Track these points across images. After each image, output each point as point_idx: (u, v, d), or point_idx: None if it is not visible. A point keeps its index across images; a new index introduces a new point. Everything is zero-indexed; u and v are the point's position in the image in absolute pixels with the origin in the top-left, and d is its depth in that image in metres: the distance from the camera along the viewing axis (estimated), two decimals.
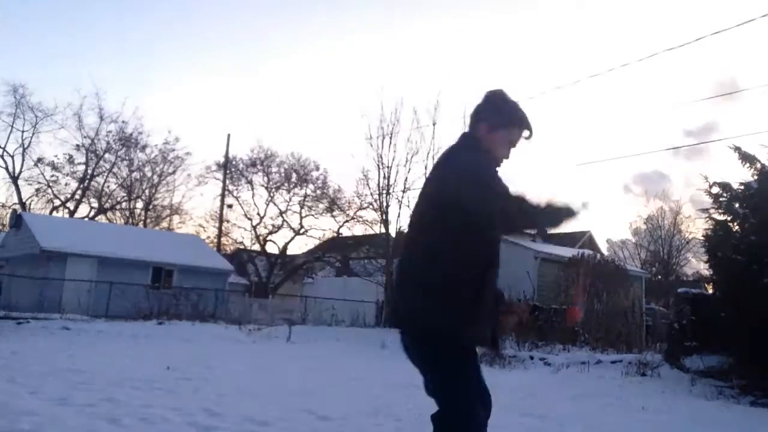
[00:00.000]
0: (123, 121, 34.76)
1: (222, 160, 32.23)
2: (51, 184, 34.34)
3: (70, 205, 34.98)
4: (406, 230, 2.41)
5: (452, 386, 2.20)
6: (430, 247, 2.20)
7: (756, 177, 9.57)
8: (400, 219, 21.20)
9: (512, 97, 2.41)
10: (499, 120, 2.35)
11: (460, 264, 2.15)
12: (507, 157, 2.39)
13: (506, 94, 2.42)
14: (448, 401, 2.21)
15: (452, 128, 38.52)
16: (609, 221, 75.75)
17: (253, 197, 33.29)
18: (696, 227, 35.28)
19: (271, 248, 34.17)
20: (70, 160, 34.36)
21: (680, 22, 53.55)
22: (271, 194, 33.03)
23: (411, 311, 2.22)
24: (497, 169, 2.34)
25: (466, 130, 2.45)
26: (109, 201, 35.91)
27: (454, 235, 2.15)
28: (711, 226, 10.01)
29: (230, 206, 32.89)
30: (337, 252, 33.51)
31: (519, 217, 2.16)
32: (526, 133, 2.40)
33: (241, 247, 33.89)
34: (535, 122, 2.39)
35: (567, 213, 2.17)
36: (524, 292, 16.80)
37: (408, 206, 20.85)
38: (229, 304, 22.94)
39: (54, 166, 34.11)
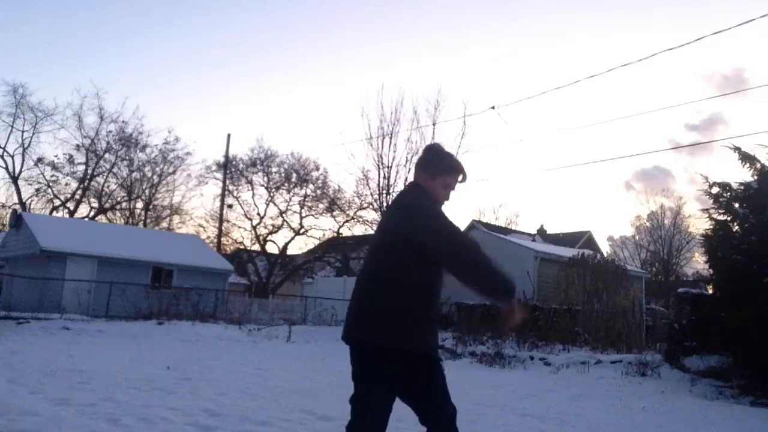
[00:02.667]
0: (123, 121, 34.81)
1: (222, 160, 32.25)
2: (51, 184, 34.37)
3: (70, 205, 35.02)
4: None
5: (365, 406, 2.52)
6: (379, 273, 2.55)
7: (756, 177, 9.58)
8: None
9: (446, 150, 2.87)
10: (434, 171, 2.73)
11: (402, 290, 2.47)
12: (447, 199, 2.76)
13: (441, 146, 2.90)
14: (356, 416, 2.53)
15: (452, 128, 38.71)
16: (610, 219, 75.70)
17: (253, 197, 33.31)
18: (700, 225, 35.13)
19: (271, 248, 34.20)
20: (70, 160, 34.39)
21: (680, 22, 53.58)
22: (271, 194, 33.04)
23: (351, 328, 2.57)
24: (441, 209, 2.70)
25: (412, 180, 2.87)
26: (109, 201, 35.92)
27: (401, 264, 2.48)
28: (711, 226, 10.02)
29: (230, 206, 32.89)
30: (337, 252, 33.50)
31: (466, 247, 2.46)
32: (460, 177, 2.78)
33: (241, 247, 33.88)
34: (466, 168, 2.81)
35: (506, 284, 2.52)
36: (524, 292, 16.80)
37: None
38: (229, 304, 22.93)
39: (54, 166, 34.15)
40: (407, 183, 2.93)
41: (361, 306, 2.59)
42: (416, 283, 2.48)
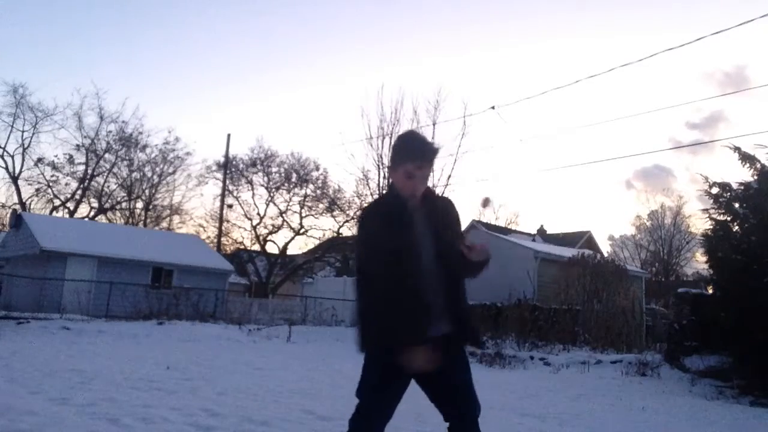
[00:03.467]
0: (123, 121, 34.81)
1: (222, 160, 32.22)
2: (51, 184, 34.35)
3: (70, 205, 35.00)
4: None
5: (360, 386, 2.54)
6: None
7: (756, 177, 9.57)
8: None
9: (414, 134, 2.75)
10: (393, 162, 2.58)
11: (365, 292, 2.44)
12: (413, 190, 2.52)
13: (408, 132, 2.76)
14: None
15: (452, 128, 38.74)
16: (610, 219, 75.72)
17: (253, 197, 33.30)
18: (701, 225, 35.10)
19: (271, 248, 34.18)
20: (70, 160, 34.38)
21: (680, 23, 53.59)
22: (271, 194, 33.02)
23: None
24: (404, 203, 2.52)
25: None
26: (109, 201, 35.91)
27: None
28: (711, 226, 10.02)
29: (230, 206, 32.87)
30: (337, 252, 33.48)
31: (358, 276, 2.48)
32: (417, 161, 2.51)
33: (241, 247, 33.86)
34: (434, 146, 2.60)
35: (362, 335, 2.44)
36: (524, 292, 16.80)
37: None
38: (229, 304, 22.92)
39: (54, 166, 34.13)
40: None
41: None
42: (368, 282, 2.45)
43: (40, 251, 19.63)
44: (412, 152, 2.52)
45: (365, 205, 2.68)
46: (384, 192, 2.75)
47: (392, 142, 2.84)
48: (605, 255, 23.51)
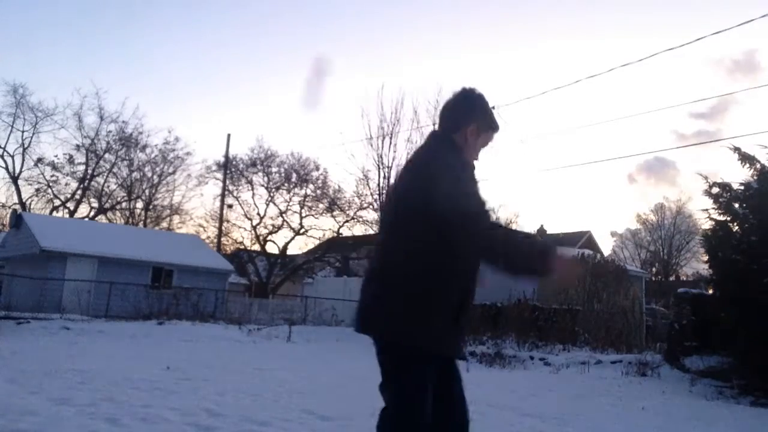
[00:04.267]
0: (123, 121, 34.80)
1: (222, 160, 32.23)
2: (51, 184, 34.35)
3: (70, 205, 35.01)
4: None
5: (405, 400, 2.13)
6: (397, 253, 2.13)
7: (756, 177, 9.57)
8: None
9: (486, 100, 2.35)
10: (485, 123, 2.28)
11: (426, 272, 2.06)
12: (477, 158, 2.32)
13: (484, 98, 2.34)
14: (398, 413, 2.14)
15: None
16: (612, 216, 75.75)
17: (253, 197, 33.29)
18: (703, 221, 35.09)
19: (271, 248, 34.17)
20: (70, 160, 34.38)
21: (680, 22, 53.59)
22: (271, 194, 33.02)
23: (375, 318, 2.16)
24: (473, 168, 2.27)
25: (436, 129, 2.34)
26: (109, 201, 35.91)
27: (420, 241, 2.05)
28: (711, 227, 10.02)
29: (230, 206, 32.87)
30: (337, 252, 33.48)
31: (487, 231, 2.04)
32: (497, 132, 2.34)
33: (241, 247, 33.85)
34: (497, 120, 2.36)
35: (543, 256, 2.03)
36: (524, 292, 16.79)
37: None
38: (229, 304, 22.93)
39: (54, 166, 34.13)
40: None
41: (374, 292, 2.20)
42: (435, 264, 2.07)
43: (40, 251, 19.63)
44: (496, 123, 2.30)
45: (434, 154, 2.07)
46: (432, 147, 2.24)
47: (463, 96, 2.29)
48: (605, 255, 23.52)
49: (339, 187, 31.51)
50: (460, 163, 2.20)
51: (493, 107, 2.39)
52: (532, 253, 2.02)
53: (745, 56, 58.61)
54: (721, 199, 9.84)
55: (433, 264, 2.05)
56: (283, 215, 33.08)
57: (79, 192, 34.90)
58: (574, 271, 2.15)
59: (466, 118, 2.26)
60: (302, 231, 33.23)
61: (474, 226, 2.03)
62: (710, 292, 10.86)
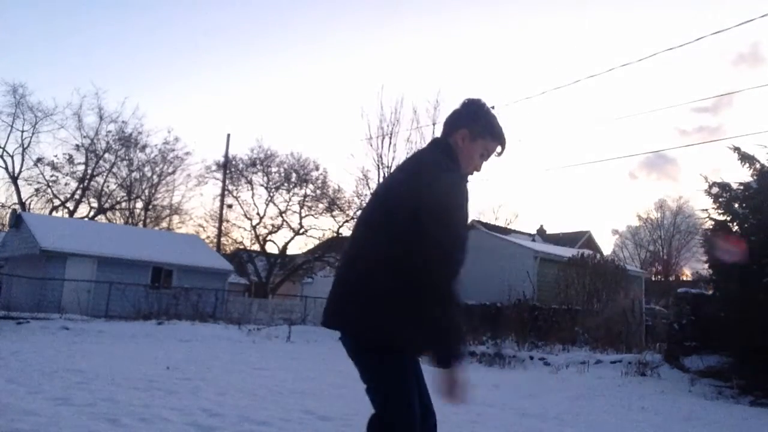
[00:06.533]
0: (123, 121, 34.82)
1: (222, 160, 32.23)
2: (51, 184, 34.34)
3: (70, 205, 34.99)
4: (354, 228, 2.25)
5: (394, 394, 2.10)
6: (382, 253, 2.07)
7: (755, 177, 9.57)
8: None
9: (493, 112, 2.34)
10: (479, 129, 2.26)
11: (411, 275, 2.00)
12: (478, 170, 2.32)
13: (490, 110, 2.34)
14: (389, 408, 2.10)
15: None
16: (613, 215, 75.75)
17: (252, 197, 33.27)
18: (704, 217, 35.08)
19: (271, 248, 34.15)
20: (70, 160, 34.37)
21: (680, 22, 53.62)
22: (271, 194, 32.99)
23: (353, 317, 2.11)
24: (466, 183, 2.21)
25: (437, 136, 2.36)
26: (109, 201, 35.90)
27: (408, 243, 2.01)
28: (711, 227, 10.02)
29: (230, 206, 32.85)
30: (337, 252, 33.44)
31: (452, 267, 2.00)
32: (499, 149, 2.33)
33: (241, 247, 33.84)
34: (509, 139, 2.35)
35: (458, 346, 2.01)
36: (524, 292, 16.80)
37: None
38: (229, 304, 22.93)
39: (54, 166, 34.12)
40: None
41: (351, 291, 2.15)
42: (421, 267, 2.01)
43: (39, 251, 19.63)
44: (502, 136, 2.29)
45: (442, 165, 2.10)
46: (436, 155, 2.21)
47: (471, 105, 2.29)
48: (605, 255, 23.54)
49: (339, 187, 31.55)
50: (456, 167, 2.20)
51: (493, 107, 2.37)
52: (456, 344, 2.01)
53: (749, 49, 58.59)
54: (720, 199, 9.84)
55: (413, 264, 2.01)
56: (283, 215, 33.09)
57: (79, 192, 34.92)
58: (457, 393, 2.02)
59: (458, 122, 2.28)
60: (302, 231, 33.22)
61: (450, 248, 2.00)
62: (710, 292, 10.85)
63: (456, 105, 2.36)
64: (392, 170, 2.24)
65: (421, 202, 2.01)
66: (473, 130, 2.26)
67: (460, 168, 2.23)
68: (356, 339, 2.14)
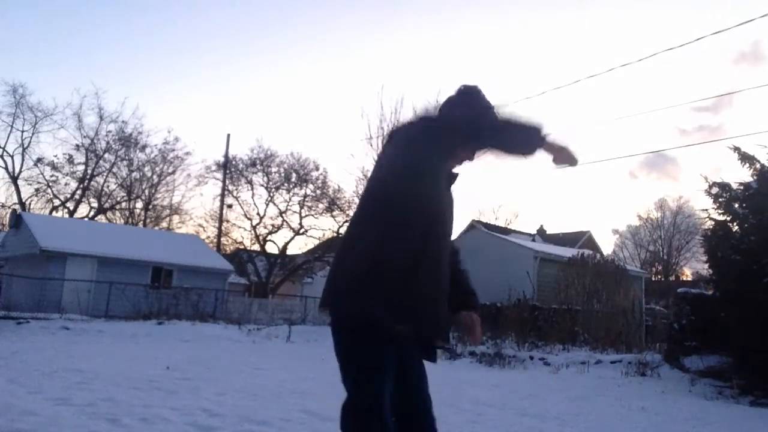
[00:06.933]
0: (123, 121, 34.83)
1: (222, 160, 32.24)
2: (51, 184, 34.35)
3: (70, 205, 35.01)
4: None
5: (361, 378, 2.03)
6: (357, 230, 2.07)
7: (755, 177, 9.58)
8: None
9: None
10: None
11: (384, 249, 1.96)
12: (460, 164, 2.26)
13: (482, 91, 2.30)
14: (355, 392, 2.04)
15: None
16: (613, 214, 75.76)
17: (252, 197, 33.28)
18: (704, 216, 35.08)
19: (271, 248, 34.17)
20: (70, 160, 34.38)
21: (680, 22, 53.61)
22: (271, 194, 33.00)
23: (331, 295, 2.08)
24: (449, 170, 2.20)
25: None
26: (109, 201, 35.92)
27: (380, 216, 2.01)
28: (711, 226, 10.03)
29: (230, 206, 32.87)
30: None
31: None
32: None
33: (241, 247, 33.86)
34: None
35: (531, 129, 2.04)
36: (524, 292, 16.80)
37: None
38: (229, 304, 22.94)
39: (54, 166, 34.13)
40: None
41: (333, 269, 2.14)
42: (394, 241, 1.98)
43: (39, 251, 19.63)
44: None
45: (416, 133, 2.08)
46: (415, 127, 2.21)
47: (470, 94, 2.28)
48: (605, 255, 23.54)
49: (339, 187, 31.55)
50: (438, 156, 2.13)
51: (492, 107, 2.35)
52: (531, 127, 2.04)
53: (751, 47, 58.58)
54: (720, 199, 9.84)
55: (394, 240, 1.98)
56: (283, 215, 33.10)
57: (79, 192, 34.93)
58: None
59: (451, 111, 2.25)
60: (302, 231, 33.23)
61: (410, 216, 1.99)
62: (710, 292, 10.86)
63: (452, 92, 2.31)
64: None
65: (395, 169, 2.03)
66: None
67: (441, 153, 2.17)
68: (334, 317, 2.10)
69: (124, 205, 36.32)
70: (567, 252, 20.63)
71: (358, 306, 1.99)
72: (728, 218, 9.85)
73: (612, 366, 10.86)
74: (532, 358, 12.24)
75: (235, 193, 33.06)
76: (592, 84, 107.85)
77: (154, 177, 36.08)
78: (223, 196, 31.91)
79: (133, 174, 35.59)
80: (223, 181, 31.96)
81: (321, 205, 32.52)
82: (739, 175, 11.44)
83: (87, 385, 5.99)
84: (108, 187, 35.69)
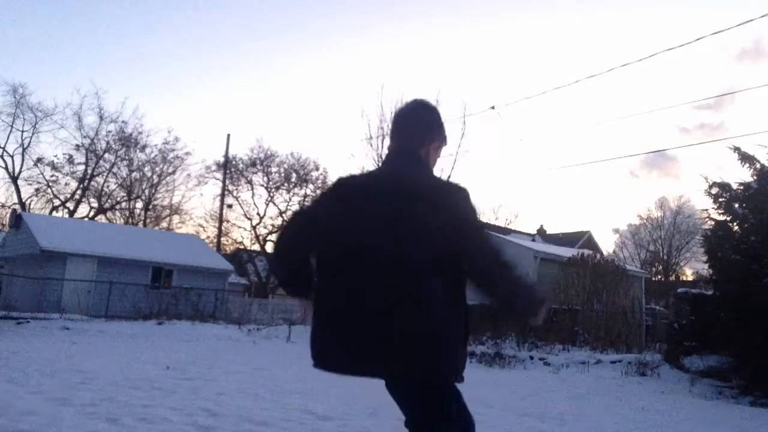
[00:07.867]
0: (123, 121, 34.90)
1: (222, 160, 32.27)
2: (51, 184, 34.40)
3: (70, 205, 35.05)
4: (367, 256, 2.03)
5: (464, 409, 2.17)
6: (426, 292, 1.96)
7: (755, 177, 9.58)
8: None
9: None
10: (444, 137, 2.24)
11: (454, 306, 2.03)
12: None
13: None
14: (467, 419, 2.18)
15: (451, 128, 38.77)
16: (613, 214, 75.74)
17: (253, 197, 33.36)
18: (705, 215, 35.07)
19: (271, 248, 34.18)
20: (70, 160, 34.43)
21: (680, 22, 53.61)
22: (271, 194, 33.09)
23: (426, 361, 2.00)
24: None
25: (404, 146, 2.16)
26: (109, 201, 35.95)
27: (447, 278, 1.98)
28: (711, 227, 10.03)
29: (230, 206, 32.93)
30: None
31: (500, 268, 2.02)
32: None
33: (241, 247, 33.90)
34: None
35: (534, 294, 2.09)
36: None
37: None
38: (229, 304, 22.95)
39: (54, 166, 34.18)
40: (395, 152, 2.19)
41: (399, 332, 1.99)
42: (457, 297, 2.06)
43: (39, 251, 19.64)
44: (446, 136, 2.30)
45: (464, 200, 2.02)
46: (433, 176, 2.18)
47: (432, 112, 2.22)
48: (605, 255, 23.53)
49: None
50: (471, 200, 2.13)
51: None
52: (532, 298, 2.07)
53: (752, 44, 58.57)
54: (720, 199, 9.84)
55: (460, 294, 2.06)
56: (283, 215, 33.14)
57: (79, 192, 34.96)
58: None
59: (431, 134, 2.19)
60: None
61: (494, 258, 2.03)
62: (710, 292, 10.86)
63: (412, 109, 2.23)
64: (393, 197, 2.02)
65: (467, 231, 2.01)
66: (442, 139, 2.23)
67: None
68: (431, 380, 2.08)
69: (124, 205, 36.40)
70: (567, 252, 20.62)
71: (458, 360, 2.09)
72: (728, 218, 9.85)
73: (612, 366, 10.86)
74: (532, 358, 12.24)
75: (235, 193, 33.14)
76: (592, 84, 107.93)
77: (154, 177, 36.17)
78: (223, 196, 31.95)
79: (133, 174, 35.67)
80: (223, 181, 32.00)
81: None
82: (739, 175, 11.45)
83: (87, 385, 5.99)
84: (108, 187, 35.78)
